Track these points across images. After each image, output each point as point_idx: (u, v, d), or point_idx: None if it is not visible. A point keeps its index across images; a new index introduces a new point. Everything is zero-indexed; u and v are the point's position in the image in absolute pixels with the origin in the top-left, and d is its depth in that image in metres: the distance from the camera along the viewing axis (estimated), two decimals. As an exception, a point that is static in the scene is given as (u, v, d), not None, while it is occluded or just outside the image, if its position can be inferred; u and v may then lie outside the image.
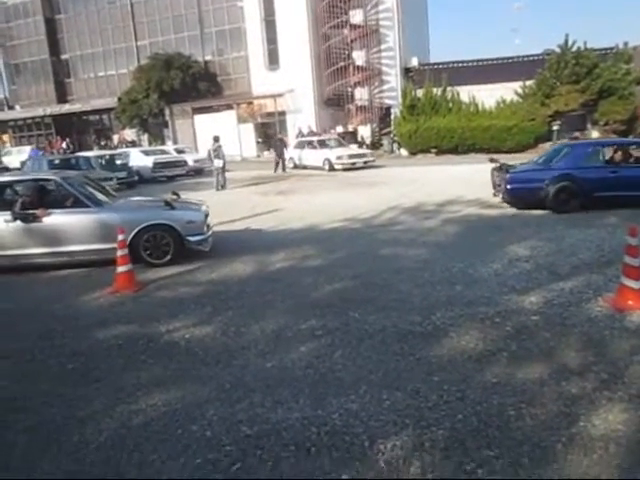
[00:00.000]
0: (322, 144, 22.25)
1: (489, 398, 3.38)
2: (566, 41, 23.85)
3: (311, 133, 28.19)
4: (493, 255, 6.95)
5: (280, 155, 22.01)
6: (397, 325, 4.70)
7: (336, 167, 20.64)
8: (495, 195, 10.78)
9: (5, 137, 39.06)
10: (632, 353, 3.95)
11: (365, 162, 21.42)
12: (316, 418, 3.27)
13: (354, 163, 20.99)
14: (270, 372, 3.95)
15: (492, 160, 11.37)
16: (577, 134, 24.19)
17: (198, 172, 22.96)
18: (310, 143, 22.82)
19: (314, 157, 21.74)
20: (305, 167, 22.14)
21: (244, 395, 3.61)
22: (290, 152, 23.07)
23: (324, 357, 4.14)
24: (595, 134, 23.79)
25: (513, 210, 10.18)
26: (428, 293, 5.55)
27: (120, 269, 6.28)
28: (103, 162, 19.68)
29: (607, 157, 10.31)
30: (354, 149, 23.67)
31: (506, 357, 3.97)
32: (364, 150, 23.92)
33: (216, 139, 17.41)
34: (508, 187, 10.05)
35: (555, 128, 23.11)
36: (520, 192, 10.10)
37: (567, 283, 5.63)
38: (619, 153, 10.44)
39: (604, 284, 5.52)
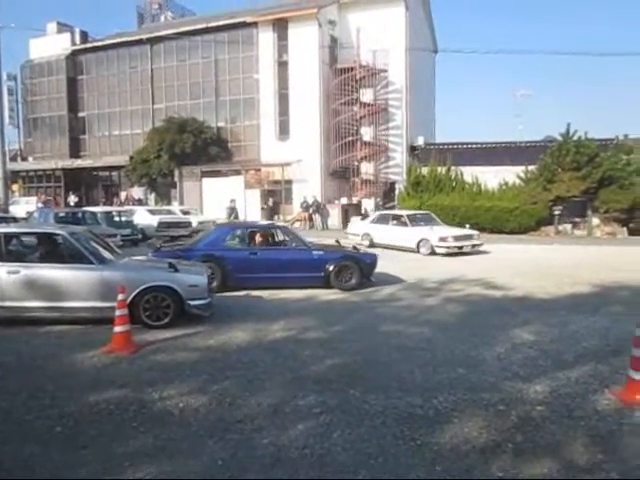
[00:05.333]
0: (413, 220, 17.85)
1: (495, 494, 3.22)
2: (568, 130, 24.65)
3: (315, 202, 28.65)
4: (496, 338, 6.85)
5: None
6: (398, 407, 4.55)
7: (438, 251, 16.15)
8: None
9: (15, 187, 39.59)
10: (642, 452, 3.80)
11: (473, 246, 16.76)
12: (312, 505, 3.10)
13: (461, 247, 16.38)
14: (265, 450, 3.78)
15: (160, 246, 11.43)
16: (577, 220, 24.58)
17: (201, 233, 23.17)
18: (397, 218, 18.34)
19: (403, 236, 17.28)
20: (386, 247, 17.34)
21: (237, 474, 3.44)
22: (363, 227, 19.30)
23: (322, 437, 3.98)
24: (596, 221, 24.15)
25: (519, 292, 10.15)
26: (430, 374, 5.42)
27: (117, 329, 6.17)
28: (108, 218, 19.84)
29: (248, 239, 10.88)
30: (457, 229, 18.46)
31: (511, 449, 3.82)
32: (470, 230, 18.13)
33: (230, 201, 18.56)
34: None
35: (556, 213, 23.48)
36: None
37: (572, 372, 5.51)
38: (258, 236, 11.03)
39: (610, 375, 5.41)
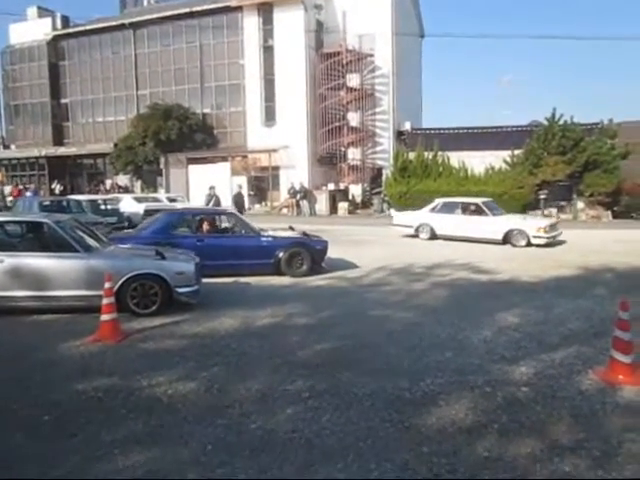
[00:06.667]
0: (490, 208, 16.01)
1: (480, 474, 3.28)
2: (553, 114, 24.74)
3: (302, 189, 28.61)
4: (482, 321, 6.92)
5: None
6: (386, 390, 4.60)
7: (535, 242, 14.63)
8: None
9: (-2, 175, 39.11)
10: (624, 430, 3.88)
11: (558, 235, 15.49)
12: (301, 487, 3.14)
13: (554, 237, 15.06)
14: (254, 434, 3.81)
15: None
16: (563, 203, 24.80)
17: (188, 221, 23.04)
18: (467, 206, 16.31)
19: (482, 227, 15.50)
20: (454, 239, 15.79)
21: (226, 459, 3.47)
22: (420, 217, 16.86)
23: (311, 421, 4.02)
24: (581, 204, 24.39)
25: (505, 276, 10.25)
26: (417, 358, 5.48)
27: (104, 317, 6.14)
28: (94, 206, 19.64)
29: (196, 226, 10.78)
30: (542, 218, 17.19)
31: (497, 430, 3.88)
32: (554, 218, 17.28)
33: (210, 188, 18.19)
34: None
35: (542, 197, 23.65)
36: None
37: (557, 354, 5.59)
38: (207, 223, 10.92)
39: (594, 356, 5.50)
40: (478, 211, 15.99)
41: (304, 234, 11.11)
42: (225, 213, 11.87)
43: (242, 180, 30.63)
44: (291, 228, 11.81)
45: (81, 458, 3.50)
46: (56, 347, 5.88)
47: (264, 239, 10.46)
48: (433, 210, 16.83)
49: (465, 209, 16.33)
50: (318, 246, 10.71)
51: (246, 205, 30.51)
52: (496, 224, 15.47)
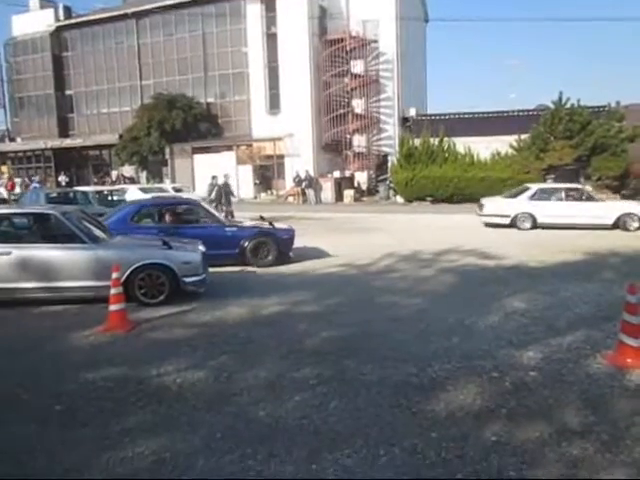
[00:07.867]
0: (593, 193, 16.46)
1: (489, 458, 3.28)
2: (560, 98, 24.50)
3: (308, 177, 28.54)
4: (489, 307, 6.90)
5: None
6: (393, 376, 4.61)
7: None
8: None
9: (4, 168, 39.22)
10: (633, 414, 3.88)
11: None
12: (310, 473, 3.15)
13: None
14: (263, 421, 3.84)
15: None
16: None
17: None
18: (571, 192, 16.06)
19: (588, 213, 15.27)
20: (557, 226, 14.98)
21: (235, 445, 3.49)
22: (518, 205, 15.75)
23: (319, 408, 4.03)
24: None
25: (512, 261, 10.21)
26: (425, 344, 5.48)
27: (113, 307, 6.18)
28: (100, 197, 19.68)
29: (158, 217, 10.58)
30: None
31: (505, 414, 3.88)
32: None
33: (212, 177, 18.18)
34: None
35: (549, 182, 23.47)
36: None
37: (565, 338, 5.58)
38: (170, 213, 10.70)
39: (602, 340, 5.47)
40: (580, 197, 15.89)
41: (270, 224, 10.95)
42: (190, 203, 11.70)
43: (248, 169, 30.65)
44: (262, 218, 11.71)
45: (91, 446, 3.53)
46: (66, 337, 5.93)
47: (228, 229, 10.36)
48: (532, 197, 15.87)
49: (568, 195, 15.95)
50: (284, 235, 10.60)
51: (252, 194, 30.61)
52: (606, 209, 15.49)
